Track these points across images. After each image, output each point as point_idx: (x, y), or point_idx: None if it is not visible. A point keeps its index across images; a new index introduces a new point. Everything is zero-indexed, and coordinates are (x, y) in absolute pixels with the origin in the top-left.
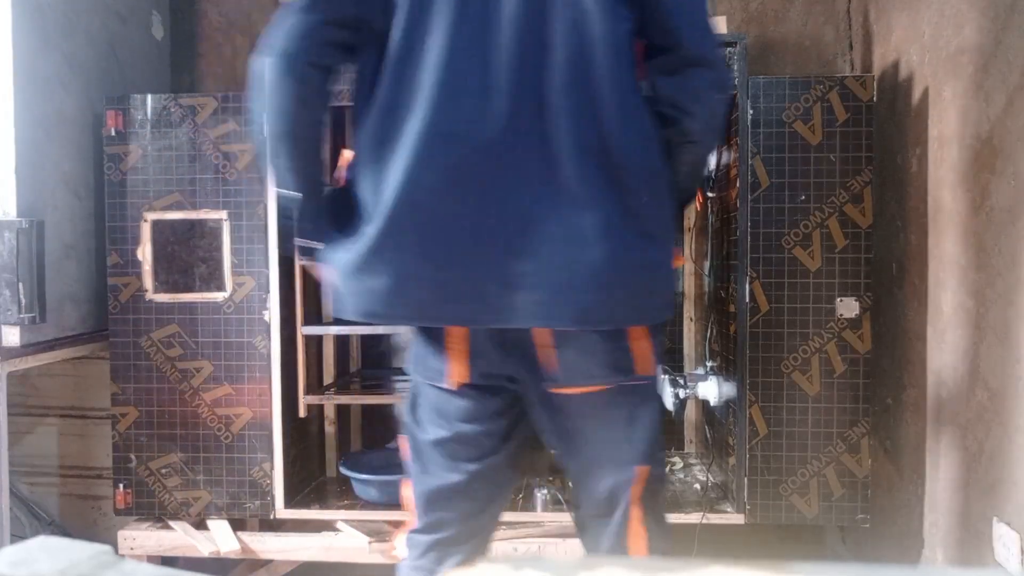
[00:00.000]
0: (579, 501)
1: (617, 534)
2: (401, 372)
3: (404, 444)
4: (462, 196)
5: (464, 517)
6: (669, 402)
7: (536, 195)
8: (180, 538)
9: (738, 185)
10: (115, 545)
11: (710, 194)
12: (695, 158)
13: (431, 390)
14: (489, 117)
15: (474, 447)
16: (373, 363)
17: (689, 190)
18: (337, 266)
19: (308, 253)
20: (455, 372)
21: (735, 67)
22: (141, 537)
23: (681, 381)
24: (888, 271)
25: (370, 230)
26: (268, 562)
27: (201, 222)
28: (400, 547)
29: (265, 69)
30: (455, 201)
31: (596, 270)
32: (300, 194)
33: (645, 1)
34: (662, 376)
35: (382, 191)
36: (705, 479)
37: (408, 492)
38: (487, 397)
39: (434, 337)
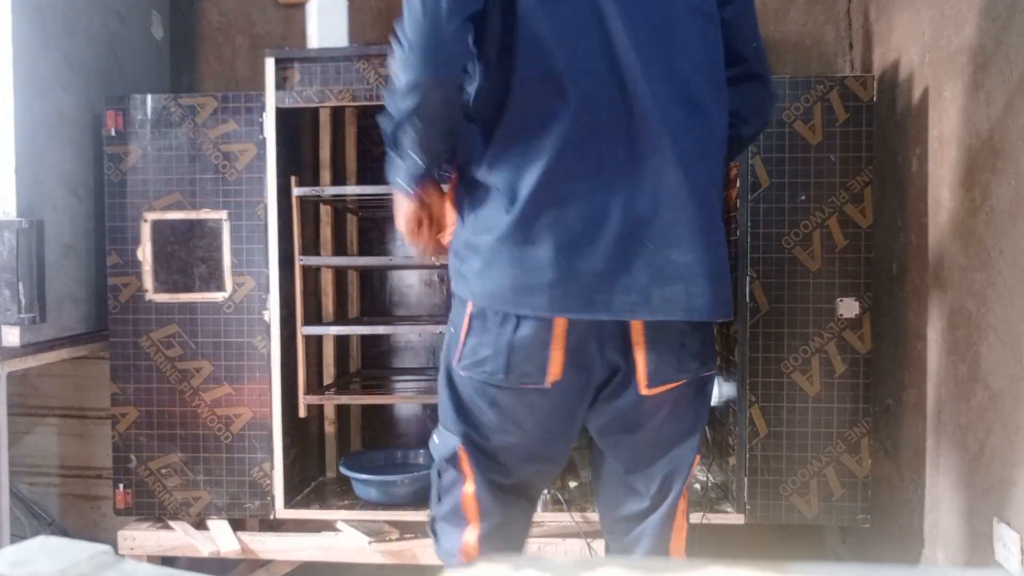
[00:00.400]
0: (617, 501)
1: (660, 530)
2: (401, 372)
3: (463, 454)
4: (609, 186)
5: (525, 508)
6: None
7: (680, 189)
8: (180, 538)
9: (738, 185)
10: (115, 545)
11: None
12: (735, 155)
13: (505, 393)
14: (629, 113)
15: (549, 446)
16: (373, 363)
17: None
18: (479, 258)
19: (410, 190)
20: (553, 371)
21: None
22: (141, 537)
23: None
24: (888, 271)
25: (515, 225)
26: (268, 562)
27: (201, 222)
28: (471, 548)
29: (415, 71)
30: (600, 190)
31: (719, 263)
32: (425, 166)
33: (728, 21)
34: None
35: (524, 184)
36: (705, 479)
37: (469, 493)
38: (571, 395)
39: (534, 336)
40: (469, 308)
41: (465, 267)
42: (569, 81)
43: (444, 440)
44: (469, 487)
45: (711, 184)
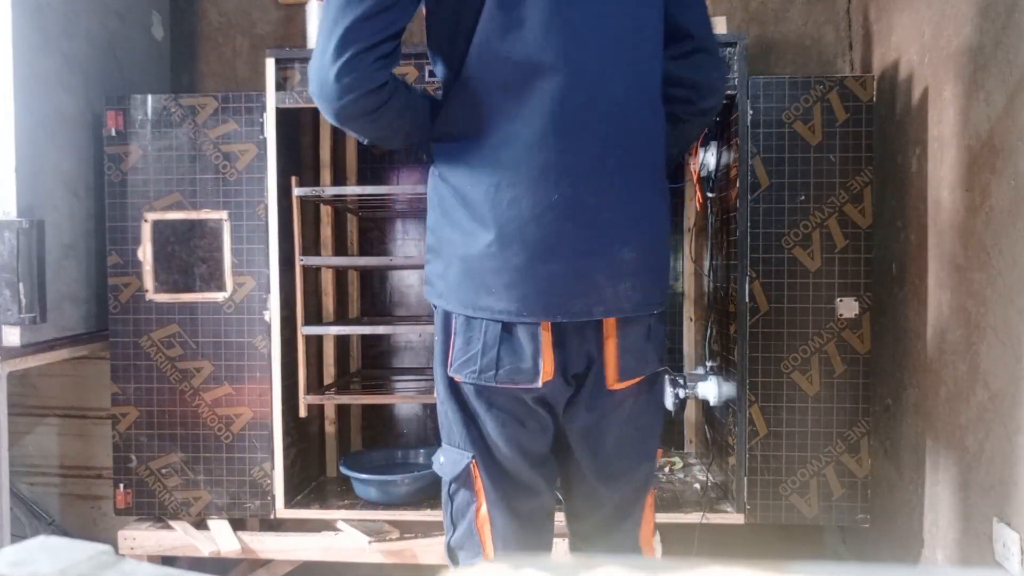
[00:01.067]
0: (587, 506)
1: (633, 527)
2: (401, 372)
3: (476, 469)
4: (573, 186)
5: (541, 531)
6: (669, 402)
7: (640, 183)
8: (180, 538)
9: (738, 185)
10: (115, 545)
11: (710, 194)
12: (697, 130)
13: (499, 395)
14: (598, 107)
15: (548, 446)
16: (373, 363)
17: (679, 158)
18: (456, 268)
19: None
20: (546, 370)
21: (735, 67)
22: (141, 537)
23: (681, 381)
24: (888, 271)
25: (491, 230)
26: (268, 562)
27: (201, 222)
28: None
29: (328, 102)
30: (565, 194)
31: (662, 256)
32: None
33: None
34: None
35: (490, 189)
36: (705, 479)
37: (484, 514)
38: (559, 390)
39: (525, 335)
40: (453, 316)
41: (435, 273)
42: (533, 82)
43: (452, 458)
44: (484, 508)
45: (657, 180)
